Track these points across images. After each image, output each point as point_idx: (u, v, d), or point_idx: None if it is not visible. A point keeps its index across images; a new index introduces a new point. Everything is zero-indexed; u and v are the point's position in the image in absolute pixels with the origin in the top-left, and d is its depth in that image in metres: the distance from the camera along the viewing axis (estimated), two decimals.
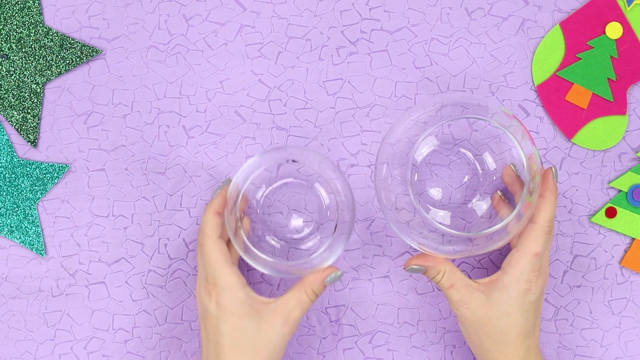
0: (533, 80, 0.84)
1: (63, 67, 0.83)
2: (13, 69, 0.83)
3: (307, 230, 0.82)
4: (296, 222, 0.82)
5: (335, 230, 0.76)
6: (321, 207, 0.81)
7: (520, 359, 0.76)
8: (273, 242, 0.81)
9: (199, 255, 0.76)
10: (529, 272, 0.74)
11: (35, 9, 0.83)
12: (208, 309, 0.75)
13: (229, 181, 0.76)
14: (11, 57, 0.83)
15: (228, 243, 0.78)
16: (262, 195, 0.82)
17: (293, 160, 0.76)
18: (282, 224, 0.82)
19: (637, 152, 0.84)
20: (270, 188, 0.82)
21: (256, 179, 0.81)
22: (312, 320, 0.84)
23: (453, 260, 0.84)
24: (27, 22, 0.83)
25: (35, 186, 0.84)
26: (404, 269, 0.77)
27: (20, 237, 0.84)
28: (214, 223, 0.75)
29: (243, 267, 0.84)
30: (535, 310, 0.76)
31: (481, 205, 0.81)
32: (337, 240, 0.76)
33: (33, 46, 0.83)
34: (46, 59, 0.83)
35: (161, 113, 0.84)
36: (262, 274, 0.84)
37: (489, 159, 0.81)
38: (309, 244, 0.81)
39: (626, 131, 0.84)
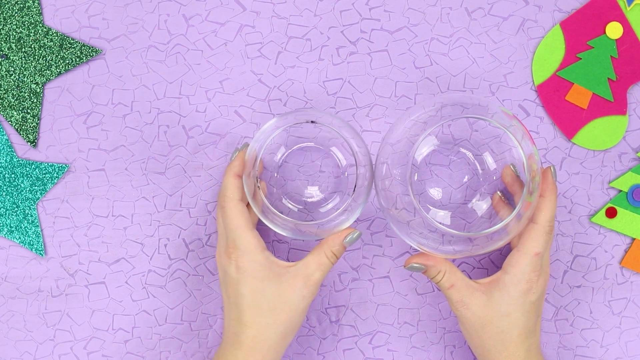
0: (533, 80, 0.84)
1: (63, 67, 0.83)
2: (13, 69, 0.83)
3: (324, 193, 0.82)
4: (313, 185, 0.82)
5: (354, 190, 0.76)
6: (338, 170, 0.82)
7: (522, 359, 0.76)
8: (290, 206, 0.81)
9: (219, 219, 0.77)
10: (529, 272, 0.74)
11: (35, 9, 0.83)
12: (228, 272, 0.75)
13: (246, 145, 0.77)
14: (11, 57, 0.83)
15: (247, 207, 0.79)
16: (280, 159, 0.82)
17: (312, 121, 0.76)
18: (299, 188, 0.82)
19: (637, 152, 0.84)
20: (288, 152, 0.82)
21: (274, 143, 0.81)
22: (312, 320, 0.84)
23: (453, 261, 0.84)
24: (26, 22, 0.83)
25: (35, 186, 0.83)
26: (404, 267, 0.77)
27: (19, 237, 0.83)
28: (234, 185, 0.75)
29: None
30: (536, 310, 0.76)
31: (481, 205, 0.81)
32: (357, 200, 0.76)
33: (33, 46, 0.83)
34: (46, 59, 0.83)
35: (161, 113, 0.84)
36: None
37: (489, 159, 0.81)
38: (328, 206, 0.81)
39: (626, 131, 0.84)
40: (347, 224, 0.77)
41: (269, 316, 0.75)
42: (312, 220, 0.78)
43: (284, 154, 0.82)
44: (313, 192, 0.82)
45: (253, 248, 0.75)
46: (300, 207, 0.81)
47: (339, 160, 0.82)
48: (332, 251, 0.76)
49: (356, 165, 0.77)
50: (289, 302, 0.75)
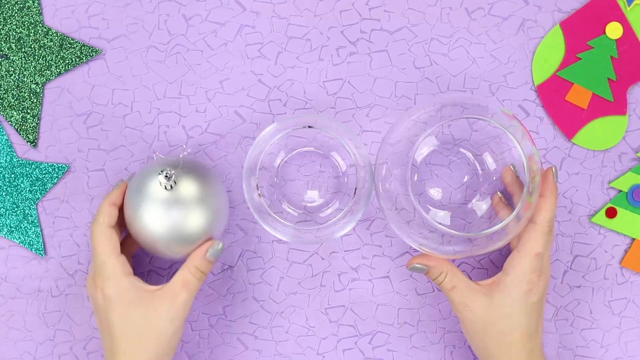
0: (533, 80, 0.84)
1: (63, 67, 0.83)
2: (13, 69, 0.83)
3: (324, 199, 0.82)
4: (313, 189, 0.82)
5: (355, 193, 0.76)
6: (338, 173, 0.82)
7: None
8: (290, 210, 0.81)
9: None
10: (530, 273, 0.74)
11: (34, 9, 0.83)
12: (96, 300, 0.75)
13: (122, 181, 0.78)
14: (11, 57, 0.83)
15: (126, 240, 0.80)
16: (279, 163, 0.82)
17: (309, 126, 0.77)
18: (299, 193, 0.82)
19: (637, 152, 0.84)
20: (288, 156, 0.82)
21: (273, 148, 0.81)
22: (311, 320, 0.84)
23: (453, 261, 0.84)
24: (26, 22, 0.83)
25: (35, 186, 0.83)
26: (406, 267, 0.77)
27: (19, 237, 0.83)
28: (107, 212, 0.76)
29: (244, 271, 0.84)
30: (537, 310, 0.76)
31: (481, 206, 0.81)
32: (358, 203, 0.76)
33: (32, 46, 0.83)
34: (46, 59, 0.83)
35: (161, 113, 0.84)
36: (262, 275, 0.84)
37: (489, 159, 0.81)
38: (328, 211, 0.81)
39: (626, 131, 0.84)
40: (349, 228, 0.77)
41: (137, 343, 0.74)
42: (312, 226, 0.78)
43: (283, 159, 0.82)
44: (313, 196, 0.82)
45: (117, 274, 0.74)
46: (301, 211, 0.82)
47: (339, 164, 0.82)
48: (196, 267, 0.75)
49: (356, 170, 0.77)
50: (155, 327, 0.74)
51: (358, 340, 0.85)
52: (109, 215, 0.76)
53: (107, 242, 0.75)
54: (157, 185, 0.74)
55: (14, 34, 0.83)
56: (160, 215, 0.74)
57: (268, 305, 0.84)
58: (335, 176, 0.83)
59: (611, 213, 0.84)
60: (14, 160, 0.84)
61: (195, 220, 0.75)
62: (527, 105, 0.84)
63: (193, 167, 0.76)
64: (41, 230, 0.84)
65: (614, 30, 0.83)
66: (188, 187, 0.75)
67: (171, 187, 0.74)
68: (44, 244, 0.84)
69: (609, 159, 0.84)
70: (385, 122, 0.84)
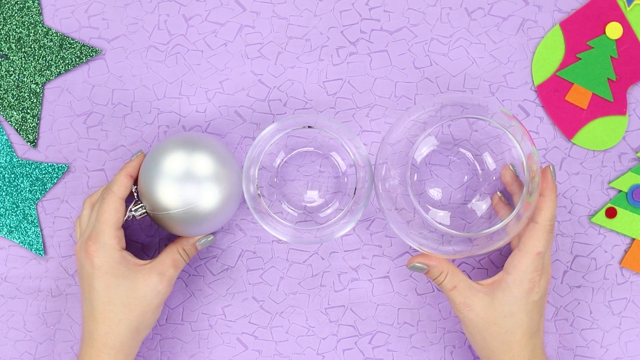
0: (533, 81, 0.84)
1: (62, 67, 0.83)
2: (12, 69, 0.83)
3: (324, 199, 0.82)
4: (313, 189, 0.82)
5: (355, 194, 0.76)
6: (338, 174, 0.82)
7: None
8: (290, 210, 0.81)
9: (93, 211, 0.78)
10: (532, 272, 0.74)
11: (34, 9, 0.83)
12: (84, 266, 0.76)
13: (141, 152, 0.79)
14: (11, 57, 0.83)
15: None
16: (279, 164, 0.82)
17: (309, 126, 0.77)
18: (299, 193, 0.82)
19: (637, 152, 0.84)
20: (288, 156, 0.82)
21: (273, 148, 0.81)
22: (311, 320, 0.84)
23: (453, 261, 0.84)
24: (26, 22, 0.83)
25: (35, 186, 0.83)
26: (407, 266, 0.77)
27: (19, 237, 0.83)
28: (122, 184, 0.77)
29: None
30: (539, 309, 0.76)
31: (481, 206, 0.81)
32: (357, 203, 0.76)
33: (32, 46, 0.83)
34: (46, 59, 0.83)
35: (161, 113, 0.84)
36: (262, 275, 0.84)
37: (488, 159, 0.81)
38: (328, 211, 0.81)
39: (626, 131, 0.84)
40: (348, 228, 0.77)
41: (121, 312, 0.76)
42: (312, 226, 0.78)
43: (283, 159, 0.82)
44: (313, 196, 0.82)
45: (112, 246, 0.76)
46: (300, 211, 0.82)
47: (339, 164, 0.82)
48: (185, 250, 0.79)
49: (356, 170, 0.77)
50: (143, 297, 0.76)
51: (358, 340, 0.85)
52: (124, 187, 0.77)
53: (114, 214, 0.76)
54: (172, 161, 0.75)
55: (14, 34, 0.83)
56: (175, 191, 0.75)
57: (268, 306, 0.84)
58: (335, 176, 0.83)
59: (611, 213, 0.84)
60: (14, 160, 0.84)
61: (209, 197, 0.75)
62: (527, 105, 0.84)
63: (209, 144, 0.76)
64: (41, 230, 0.84)
65: (613, 30, 0.83)
66: (204, 164, 0.75)
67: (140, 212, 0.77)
68: (43, 244, 0.84)
69: (609, 159, 0.84)
70: (385, 122, 0.84)
